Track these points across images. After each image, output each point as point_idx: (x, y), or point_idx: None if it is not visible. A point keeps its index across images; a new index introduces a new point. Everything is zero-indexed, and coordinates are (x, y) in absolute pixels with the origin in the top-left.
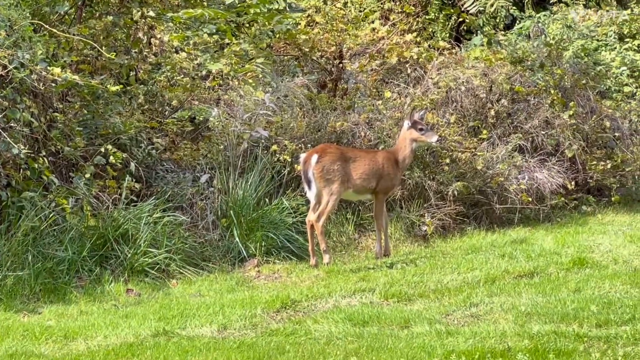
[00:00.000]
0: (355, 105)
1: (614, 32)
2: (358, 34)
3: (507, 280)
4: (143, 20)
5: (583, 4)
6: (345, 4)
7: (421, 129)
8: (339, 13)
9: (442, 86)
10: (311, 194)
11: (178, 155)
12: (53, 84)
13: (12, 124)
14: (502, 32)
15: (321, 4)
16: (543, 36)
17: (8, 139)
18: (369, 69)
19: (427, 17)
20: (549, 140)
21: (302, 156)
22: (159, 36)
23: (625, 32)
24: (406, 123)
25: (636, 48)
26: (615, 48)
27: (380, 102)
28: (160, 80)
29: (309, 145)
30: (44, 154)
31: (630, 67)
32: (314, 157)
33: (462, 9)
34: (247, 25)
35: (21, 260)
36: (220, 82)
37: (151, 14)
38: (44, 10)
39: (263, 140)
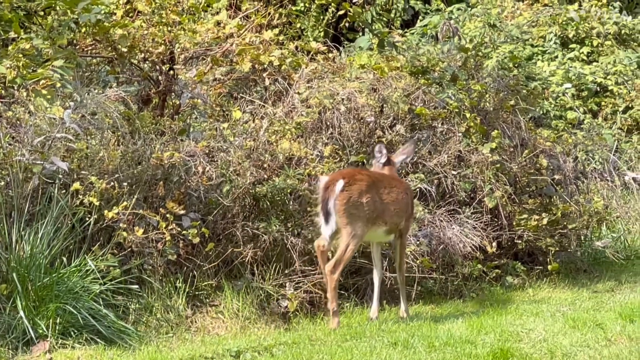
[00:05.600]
0: (192, 129)
1: (555, 35)
2: (197, 30)
3: None
4: None
5: None
6: None
7: None
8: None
9: (313, 105)
10: (327, 230)
11: None
12: None
13: None
14: (400, 31)
15: None
16: (456, 38)
17: None
18: (211, 78)
19: (294, 7)
20: (462, 183)
21: (323, 180)
22: None
23: (570, 36)
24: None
25: (585, 58)
26: (557, 57)
27: (226, 125)
28: None
29: (125, 183)
30: None
31: (576, 85)
32: (340, 184)
33: None
34: (42, 13)
35: None
36: (2, 92)
37: None
38: None
39: (61, 176)
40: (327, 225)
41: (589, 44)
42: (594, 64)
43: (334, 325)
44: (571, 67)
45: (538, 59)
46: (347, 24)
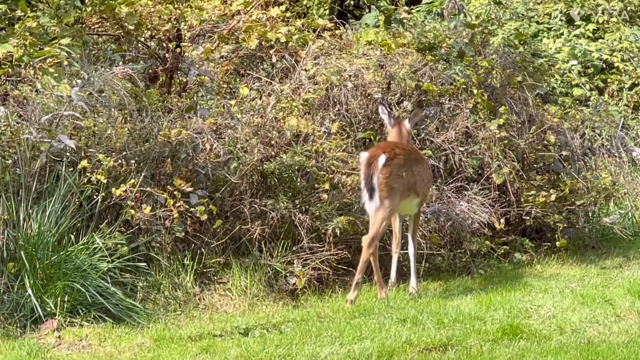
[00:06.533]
0: (199, 107)
1: (561, 13)
2: (203, 7)
3: (409, 355)
4: None
5: None
6: None
7: None
8: None
9: (320, 81)
10: (372, 206)
11: None
12: None
13: None
14: (406, 8)
15: None
16: (462, 15)
17: None
18: (218, 55)
19: None
20: (469, 160)
21: (364, 155)
22: None
23: (575, 13)
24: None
25: (590, 35)
26: (562, 34)
27: (233, 102)
28: None
29: (133, 160)
30: None
31: (582, 62)
32: (382, 158)
33: None
34: None
35: None
36: (9, 70)
37: None
38: None
39: (68, 153)
40: (371, 200)
41: (595, 21)
42: (600, 41)
43: (352, 297)
44: (577, 44)
45: (544, 36)
46: (352, 1)
